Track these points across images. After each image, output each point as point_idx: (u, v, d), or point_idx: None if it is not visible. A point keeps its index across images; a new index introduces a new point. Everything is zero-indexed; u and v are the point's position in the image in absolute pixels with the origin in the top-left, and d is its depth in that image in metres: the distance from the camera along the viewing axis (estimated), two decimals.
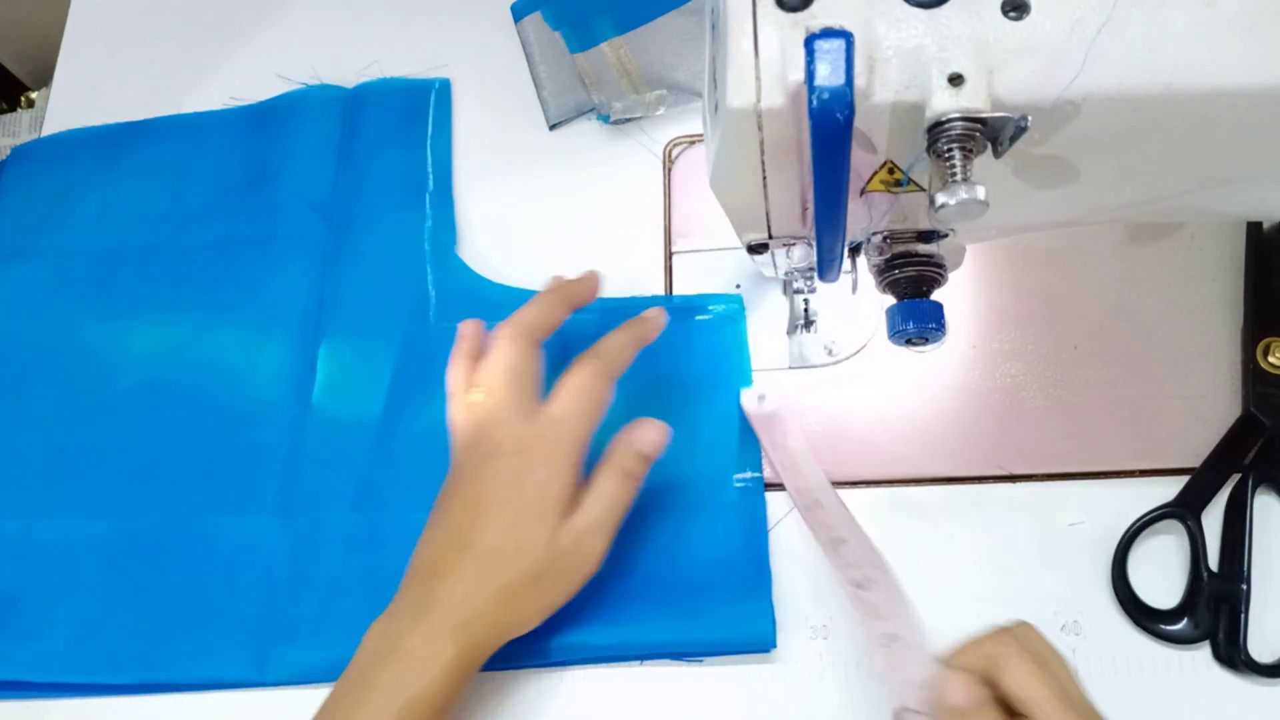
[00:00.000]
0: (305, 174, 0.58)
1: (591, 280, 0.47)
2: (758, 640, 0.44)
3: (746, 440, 0.48)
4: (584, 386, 0.42)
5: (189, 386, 0.54)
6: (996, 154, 0.31)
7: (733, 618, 0.45)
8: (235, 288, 0.56)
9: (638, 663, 0.45)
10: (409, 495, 0.49)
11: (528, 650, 0.44)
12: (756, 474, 0.48)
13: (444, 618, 0.40)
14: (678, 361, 0.51)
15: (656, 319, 0.46)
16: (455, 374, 0.44)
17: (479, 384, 0.43)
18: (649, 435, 0.43)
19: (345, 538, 0.49)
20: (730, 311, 0.51)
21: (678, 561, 0.46)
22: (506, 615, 0.41)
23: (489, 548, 0.41)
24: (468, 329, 0.46)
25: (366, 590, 0.47)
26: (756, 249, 0.40)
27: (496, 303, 0.53)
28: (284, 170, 0.59)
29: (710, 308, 0.52)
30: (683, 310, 0.52)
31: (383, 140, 0.59)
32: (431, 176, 0.58)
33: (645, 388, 0.50)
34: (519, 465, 0.41)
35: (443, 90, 0.60)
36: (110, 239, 0.59)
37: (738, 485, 0.47)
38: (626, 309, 0.52)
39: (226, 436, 0.52)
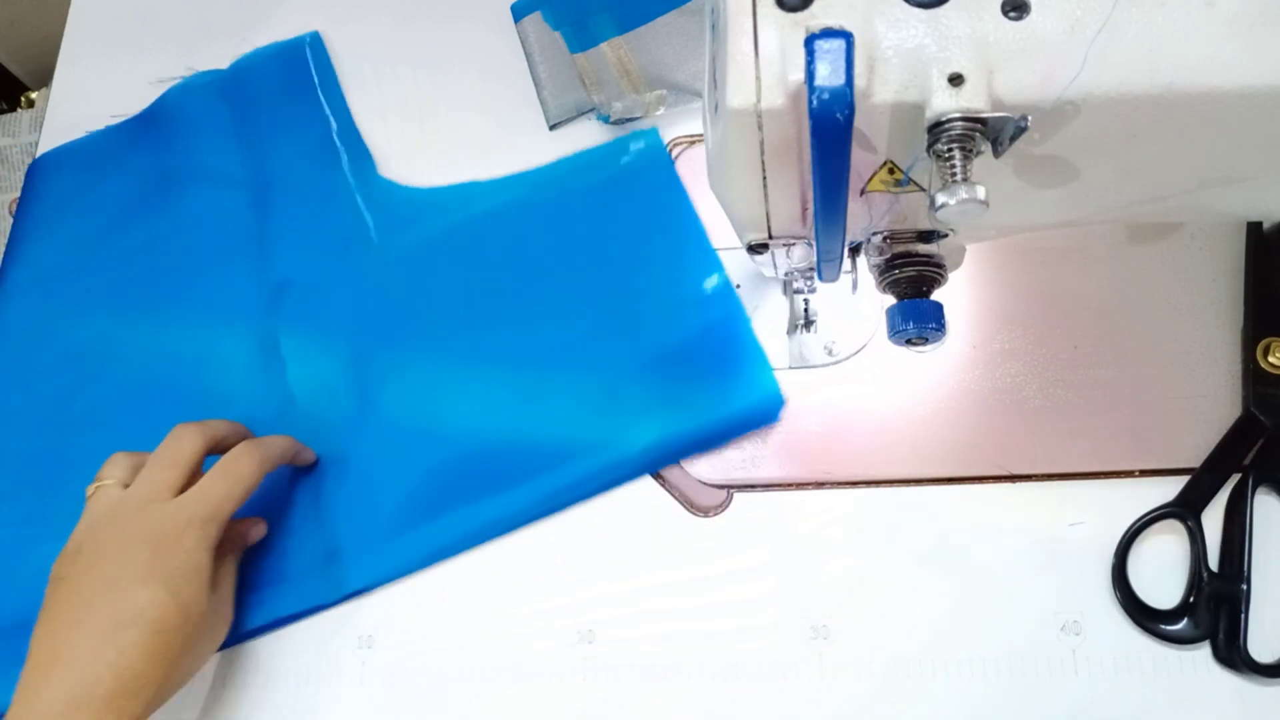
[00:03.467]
0: (210, 156, 0.59)
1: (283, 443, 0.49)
2: (767, 403, 0.47)
3: (701, 250, 0.50)
4: (239, 468, 0.45)
5: (164, 390, 0.54)
6: (996, 154, 0.31)
7: (738, 391, 0.48)
8: (176, 282, 0.57)
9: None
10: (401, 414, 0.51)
11: (558, 486, 0.47)
12: (721, 275, 0.50)
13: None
14: (617, 204, 0.54)
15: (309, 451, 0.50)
16: (100, 474, 0.46)
17: (112, 478, 0.45)
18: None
19: (350, 475, 0.50)
20: (649, 145, 0.55)
21: (673, 366, 0.49)
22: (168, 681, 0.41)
23: (148, 620, 0.40)
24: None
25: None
26: (756, 249, 0.40)
27: (432, 205, 0.56)
28: (187, 161, 0.59)
29: (631, 146, 0.55)
30: (607, 158, 0.55)
31: (273, 101, 0.60)
32: (332, 118, 0.59)
33: (595, 234, 0.53)
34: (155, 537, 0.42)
35: (315, 43, 0.62)
36: (34, 272, 0.59)
37: (708, 290, 0.48)
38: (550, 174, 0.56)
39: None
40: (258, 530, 0.48)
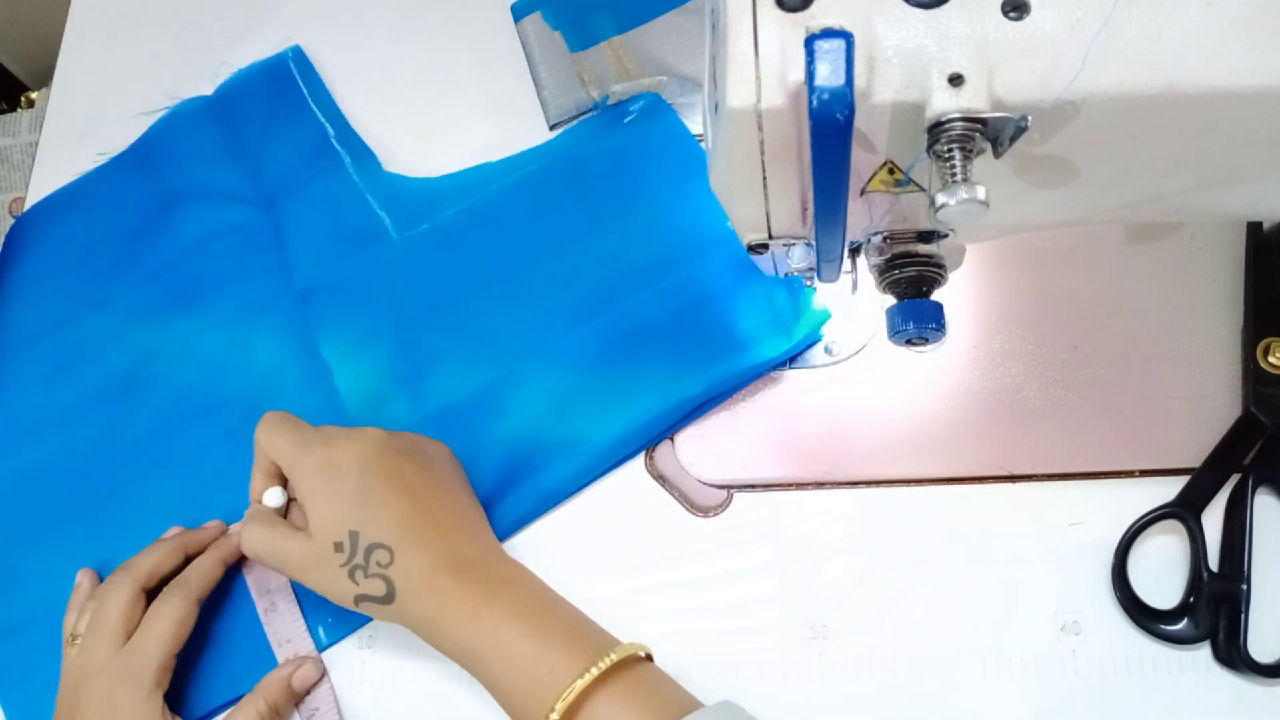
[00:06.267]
0: (209, 177, 0.59)
1: (213, 530, 0.49)
2: (814, 322, 0.49)
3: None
4: (166, 611, 0.44)
5: (210, 406, 0.53)
6: (996, 154, 0.31)
7: (784, 314, 0.50)
8: (199, 301, 0.56)
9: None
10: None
11: (626, 434, 0.48)
12: None
13: None
14: (630, 158, 0.55)
15: (238, 538, 0.47)
16: (65, 623, 0.47)
17: (78, 634, 0.45)
18: (305, 674, 0.46)
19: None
20: (649, 104, 0.56)
21: (713, 303, 0.50)
22: None
23: None
24: (81, 579, 0.49)
25: None
26: (756, 249, 0.40)
27: (445, 192, 0.57)
28: (188, 183, 0.59)
29: (631, 109, 0.56)
30: (612, 120, 0.56)
31: (265, 117, 0.60)
32: (328, 124, 0.60)
33: (615, 190, 0.55)
34: (103, 701, 0.43)
35: (298, 56, 0.62)
36: (56, 315, 0.58)
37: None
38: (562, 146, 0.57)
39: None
40: (306, 674, 0.46)
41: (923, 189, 0.34)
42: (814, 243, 0.35)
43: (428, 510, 0.43)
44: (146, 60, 0.65)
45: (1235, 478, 0.45)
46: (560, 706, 0.37)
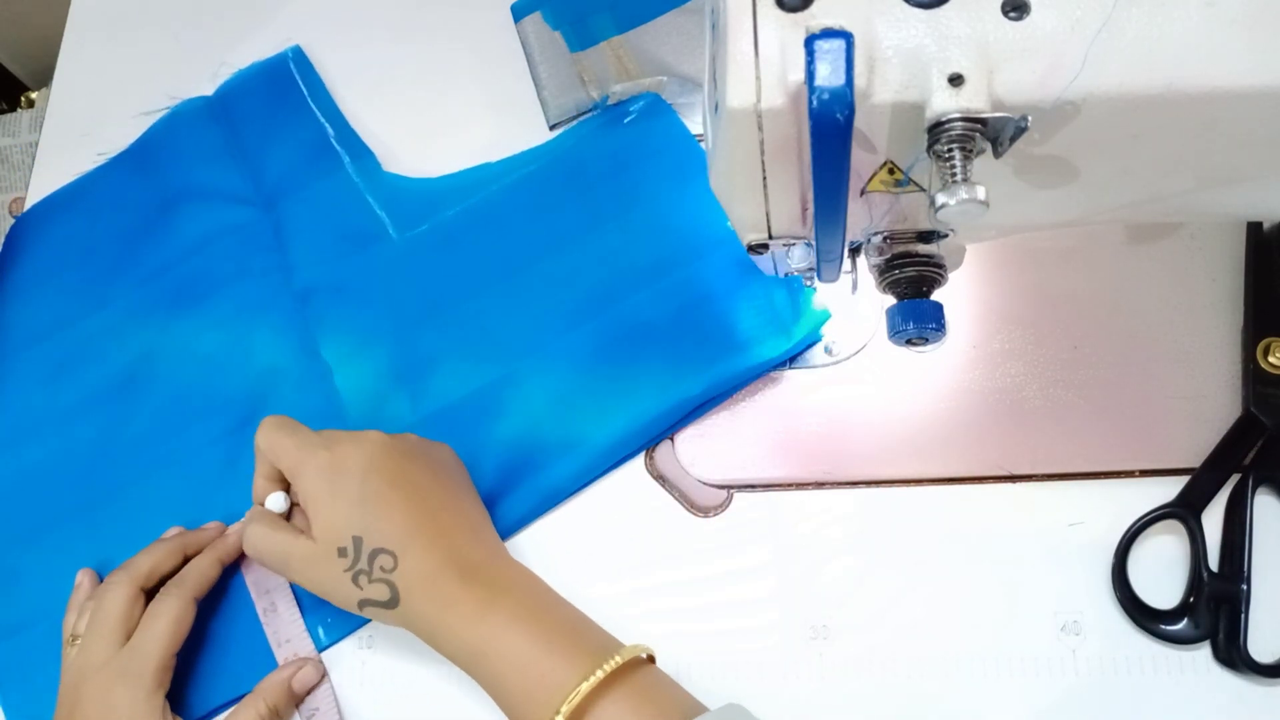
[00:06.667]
0: (209, 177, 0.59)
1: (211, 530, 0.49)
2: (813, 322, 0.49)
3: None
4: (164, 610, 0.44)
5: (211, 405, 0.53)
6: (996, 154, 0.31)
7: (784, 314, 0.50)
8: (200, 301, 0.56)
9: None
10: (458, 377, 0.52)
11: (627, 434, 0.49)
12: None
13: None
14: (630, 159, 0.55)
15: (235, 538, 0.48)
16: (65, 623, 0.47)
17: (77, 635, 0.45)
18: (305, 676, 0.46)
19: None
20: (649, 104, 0.56)
21: (714, 304, 0.50)
22: None
23: None
24: (81, 579, 0.49)
25: None
26: (756, 249, 0.40)
27: (445, 192, 0.57)
28: (187, 184, 0.59)
29: (631, 109, 0.56)
30: (612, 120, 0.57)
31: (265, 118, 0.60)
32: (327, 124, 0.60)
33: (615, 190, 0.55)
34: (102, 701, 0.43)
35: (298, 56, 0.62)
36: (56, 315, 0.58)
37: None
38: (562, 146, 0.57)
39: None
40: (306, 676, 0.46)
41: (923, 189, 0.34)
42: (814, 243, 0.35)
43: (431, 512, 0.43)
44: (146, 60, 0.65)
45: (1235, 478, 0.45)
46: (565, 710, 0.37)
